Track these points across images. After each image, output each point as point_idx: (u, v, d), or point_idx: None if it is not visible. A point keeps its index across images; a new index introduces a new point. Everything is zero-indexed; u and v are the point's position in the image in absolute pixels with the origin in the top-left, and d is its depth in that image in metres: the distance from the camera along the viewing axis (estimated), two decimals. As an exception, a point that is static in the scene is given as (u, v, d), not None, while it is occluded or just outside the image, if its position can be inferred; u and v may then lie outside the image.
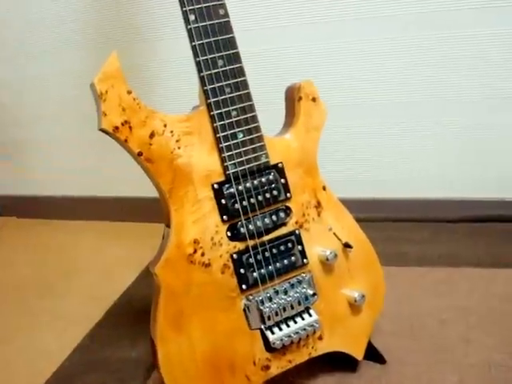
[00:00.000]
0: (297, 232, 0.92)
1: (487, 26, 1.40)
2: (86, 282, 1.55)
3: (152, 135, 0.82)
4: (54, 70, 1.78)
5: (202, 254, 0.86)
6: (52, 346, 1.26)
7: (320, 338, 0.95)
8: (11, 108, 1.91)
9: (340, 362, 1.01)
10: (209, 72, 0.83)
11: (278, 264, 0.90)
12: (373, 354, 1.03)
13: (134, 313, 1.34)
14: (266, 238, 0.89)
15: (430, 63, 1.47)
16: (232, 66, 0.85)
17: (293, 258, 0.91)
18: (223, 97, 0.84)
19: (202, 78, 0.83)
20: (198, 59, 0.83)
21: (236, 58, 0.85)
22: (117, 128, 0.80)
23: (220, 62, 0.84)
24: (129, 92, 0.81)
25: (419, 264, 1.38)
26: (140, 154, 0.82)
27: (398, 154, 1.59)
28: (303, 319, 0.92)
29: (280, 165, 0.90)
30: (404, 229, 1.58)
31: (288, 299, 0.91)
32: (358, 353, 1.00)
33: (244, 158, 0.87)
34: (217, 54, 0.83)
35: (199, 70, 0.83)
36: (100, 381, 1.11)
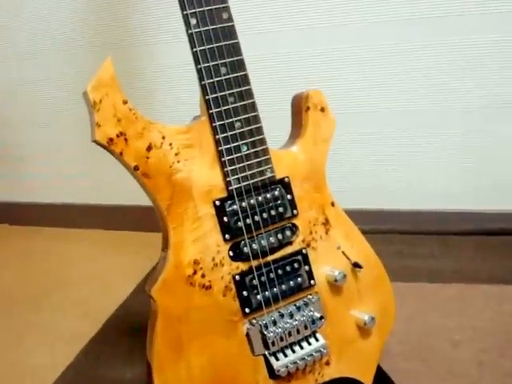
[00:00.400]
0: (304, 251, 0.86)
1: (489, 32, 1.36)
2: (79, 293, 1.49)
3: (149, 148, 0.76)
4: (48, 73, 1.73)
5: (203, 276, 0.80)
6: (43, 362, 1.20)
7: (327, 364, 0.89)
8: (3, 110, 1.86)
9: (347, 386, 0.96)
10: (211, 80, 0.77)
11: (283, 286, 0.84)
12: (381, 378, 0.98)
13: (130, 328, 1.28)
14: (270, 257, 0.83)
15: (431, 69, 1.44)
16: (236, 74, 0.79)
17: (299, 279, 0.85)
18: (226, 107, 0.79)
19: (203, 87, 0.77)
20: (199, 66, 0.77)
21: (240, 65, 0.79)
22: (111, 140, 0.74)
23: (223, 70, 0.78)
24: (124, 102, 0.75)
25: (428, 280, 1.32)
26: (136, 168, 0.76)
27: (403, 164, 1.55)
28: (310, 344, 0.86)
29: (286, 179, 0.85)
30: (411, 242, 1.53)
31: (294, 323, 0.85)
32: (367, 378, 0.94)
33: (248, 173, 0.81)
34: (220, 61, 0.78)
35: (200, 78, 0.77)
36: (92, 403, 1.06)
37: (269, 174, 0.83)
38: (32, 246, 1.84)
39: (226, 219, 0.80)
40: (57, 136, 1.82)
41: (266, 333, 0.83)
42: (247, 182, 0.81)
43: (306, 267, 0.86)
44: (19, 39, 1.72)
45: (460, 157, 1.50)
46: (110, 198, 1.82)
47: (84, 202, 1.88)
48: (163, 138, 0.77)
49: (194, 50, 0.76)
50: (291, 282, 0.85)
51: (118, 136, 0.74)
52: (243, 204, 0.81)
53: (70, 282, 1.55)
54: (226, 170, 0.80)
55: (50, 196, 1.92)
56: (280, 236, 0.84)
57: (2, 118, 1.87)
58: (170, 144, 0.77)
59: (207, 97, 0.78)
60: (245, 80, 0.80)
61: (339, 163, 1.56)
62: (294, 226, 0.86)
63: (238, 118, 0.79)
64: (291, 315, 0.85)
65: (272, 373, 0.84)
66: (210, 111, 0.78)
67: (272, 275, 0.83)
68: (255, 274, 0.82)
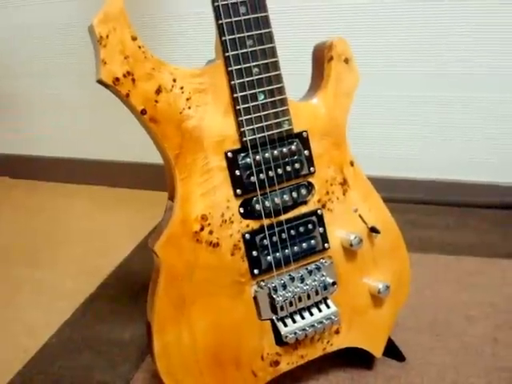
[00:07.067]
0: (319, 212, 0.80)
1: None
2: (78, 251, 1.44)
3: (159, 91, 0.70)
4: (53, 20, 1.66)
5: (210, 232, 0.74)
6: (37, 320, 1.16)
7: (337, 332, 0.85)
8: (3, 59, 1.79)
9: (354, 357, 0.91)
10: (229, 20, 0.71)
11: (295, 247, 0.79)
12: (391, 351, 0.93)
13: (130, 287, 1.24)
14: (283, 217, 0.78)
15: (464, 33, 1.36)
16: (256, 15, 0.72)
17: (313, 241, 0.80)
18: (244, 50, 0.72)
19: (220, 27, 0.71)
20: (216, 4, 0.70)
21: (262, 4, 0.72)
22: (117, 80, 0.68)
23: (242, 9, 0.71)
24: (133, 38, 0.68)
25: (444, 252, 1.27)
26: (144, 112, 0.70)
27: (424, 131, 1.48)
28: (320, 311, 0.82)
29: (304, 134, 0.79)
30: (428, 212, 1.48)
31: (304, 287, 0.80)
32: (377, 349, 0.90)
33: (264, 124, 0.75)
34: (239, 0, 0.71)
35: (217, 17, 0.71)
36: (88, 362, 1.01)
37: (286, 127, 0.77)
38: (32, 200, 1.79)
39: (238, 173, 0.75)
40: (58, 87, 1.76)
41: (274, 296, 0.79)
42: (262, 134, 0.75)
43: (321, 229, 0.81)
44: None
45: (482, 127, 1.43)
46: (115, 154, 1.77)
47: (87, 157, 1.83)
48: (174, 80, 0.71)
49: (212, -14, 0.70)
50: (304, 244, 0.80)
51: (124, 76, 0.68)
52: (257, 157, 0.75)
53: (68, 239, 1.51)
54: (240, 119, 0.74)
55: (52, 150, 1.87)
56: (295, 194, 0.79)
57: (2, 67, 1.80)
58: (182, 88, 0.71)
59: (224, 38, 0.71)
60: (265, 22, 0.73)
61: (355, 127, 1.50)
62: (310, 184, 0.80)
63: (256, 63, 0.73)
64: (302, 279, 0.80)
65: (279, 339, 0.80)
66: (226, 54, 0.72)
67: (284, 236, 0.78)
68: (266, 233, 0.77)
